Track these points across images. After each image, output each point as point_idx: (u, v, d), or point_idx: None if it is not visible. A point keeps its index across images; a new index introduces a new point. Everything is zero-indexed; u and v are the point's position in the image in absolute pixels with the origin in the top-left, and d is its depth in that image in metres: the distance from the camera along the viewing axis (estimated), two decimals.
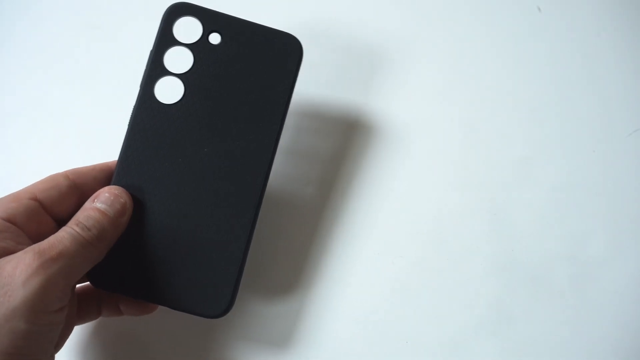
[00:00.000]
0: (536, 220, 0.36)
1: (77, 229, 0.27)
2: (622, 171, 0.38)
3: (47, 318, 0.25)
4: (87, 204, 0.28)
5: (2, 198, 0.28)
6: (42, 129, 0.39)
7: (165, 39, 0.31)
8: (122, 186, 0.30)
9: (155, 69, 0.31)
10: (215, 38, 0.31)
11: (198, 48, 0.31)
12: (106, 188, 0.29)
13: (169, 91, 0.31)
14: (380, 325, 0.34)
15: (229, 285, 0.30)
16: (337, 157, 0.37)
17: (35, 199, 0.28)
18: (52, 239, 0.26)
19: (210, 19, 0.31)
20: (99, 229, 0.27)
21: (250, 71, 0.31)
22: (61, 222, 0.28)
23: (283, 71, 0.32)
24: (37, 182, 0.29)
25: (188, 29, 0.31)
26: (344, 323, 0.34)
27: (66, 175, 0.29)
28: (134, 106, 0.31)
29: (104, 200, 0.28)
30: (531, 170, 0.37)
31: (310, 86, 0.37)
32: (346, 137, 0.37)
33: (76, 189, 0.29)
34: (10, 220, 0.27)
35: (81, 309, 0.30)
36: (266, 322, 0.34)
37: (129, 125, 0.31)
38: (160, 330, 0.34)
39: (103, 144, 0.39)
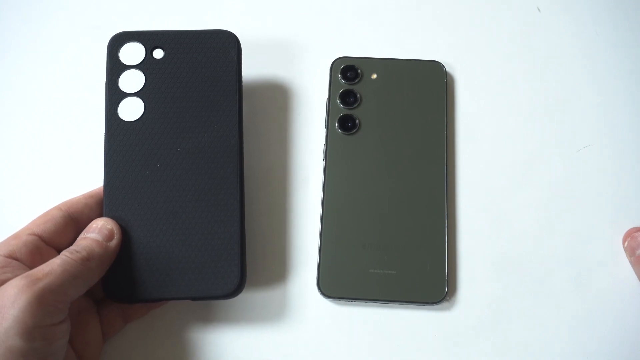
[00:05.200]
0: (536, 221, 0.36)
1: (67, 253, 0.29)
2: (625, 170, 0.38)
3: (42, 333, 0.26)
4: (79, 237, 0.31)
5: (5, 239, 0.30)
6: (43, 129, 0.40)
7: (114, 67, 0.35)
8: (114, 206, 0.33)
9: (113, 95, 0.34)
10: (158, 53, 0.35)
11: (146, 66, 0.35)
12: (94, 221, 0.32)
13: (133, 110, 0.34)
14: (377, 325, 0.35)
15: (234, 264, 0.32)
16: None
17: (34, 234, 0.30)
18: (42, 265, 0.28)
19: (149, 38, 0.35)
20: (88, 250, 0.30)
21: (198, 72, 0.35)
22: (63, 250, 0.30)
23: (227, 63, 0.35)
24: (34, 219, 0.31)
25: (134, 52, 0.35)
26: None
27: (59, 207, 0.32)
28: (104, 132, 0.34)
29: (91, 231, 0.31)
30: (531, 170, 0.38)
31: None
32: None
33: (70, 218, 0.32)
34: (11, 256, 0.29)
35: (105, 324, 0.32)
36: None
37: (104, 150, 0.33)
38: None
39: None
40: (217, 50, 0.35)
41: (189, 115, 0.34)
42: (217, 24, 0.41)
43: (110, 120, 0.34)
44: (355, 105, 0.38)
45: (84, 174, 0.38)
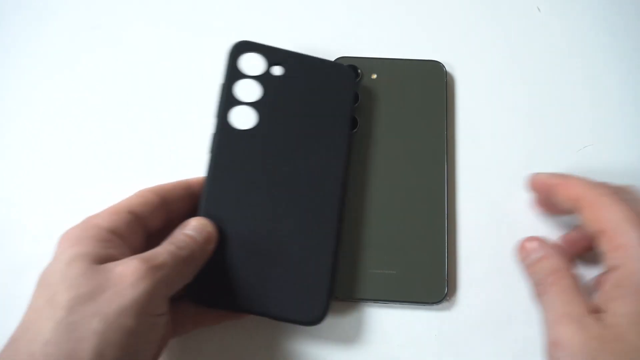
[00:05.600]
0: (536, 221, 0.36)
1: (173, 247, 0.29)
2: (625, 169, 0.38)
3: (150, 320, 0.27)
4: (177, 231, 0.31)
5: (102, 211, 0.30)
6: (43, 129, 0.40)
7: (233, 73, 0.35)
8: (212, 208, 0.33)
9: (228, 100, 0.34)
10: (277, 70, 0.35)
11: (264, 79, 0.35)
12: (193, 218, 0.32)
13: (244, 119, 0.34)
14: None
15: (322, 292, 0.32)
16: None
17: (133, 213, 0.30)
18: (152, 251, 0.28)
19: (271, 54, 0.35)
20: (189, 251, 0.30)
21: (312, 96, 0.35)
22: (150, 235, 0.31)
23: (343, 96, 0.35)
24: (131, 197, 0.31)
25: (253, 63, 0.35)
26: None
27: (154, 191, 0.31)
28: (213, 134, 0.34)
29: (192, 228, 0.31)
30: (531, 170, 0.37)
31: None
32: None
33: (165, 205, 0.31)
34: (114, 232, 0.29)
35: (175, 323, 0.32)
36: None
37: (210, 152, 0.33)
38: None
39: (105, 142, 0.39)
40: (335, 81, 0.36)
41: (299, 137, 0.34)
42: (215, 26, 0.42)
43: (221, 124, 0.34)
44: (355, 105, 0.38)
45: (84, 174, 0.38)
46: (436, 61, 0.39)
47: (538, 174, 0.33)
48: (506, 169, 0.38)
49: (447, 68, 0.39)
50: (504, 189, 0.37)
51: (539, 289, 0.29)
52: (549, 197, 0.32)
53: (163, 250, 0.29)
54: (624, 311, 0.25)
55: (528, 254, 0.31)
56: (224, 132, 0.34)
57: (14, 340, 0.25)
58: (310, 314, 0.32)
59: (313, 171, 0.34)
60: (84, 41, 0.42)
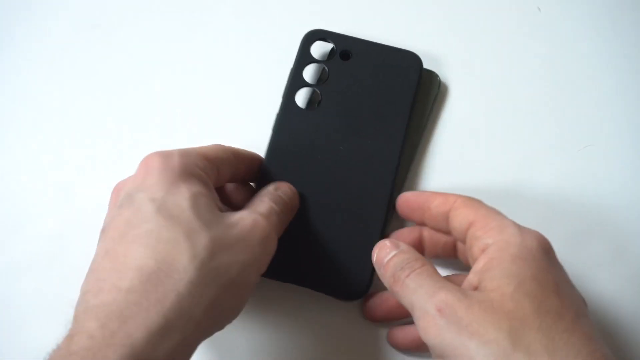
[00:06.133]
0: (536, 222, 0.36)
1: (278, 209, 0.29)
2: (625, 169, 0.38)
3: (258, 279, 0.28)
4: (272, 190, 0.31)
5: (190, 149, 0.28)
6: (42, 129, 0.40)
7: (304, 58, 0.37)
8: (269, 179, 0.33)
9: (296, 82, 0.36)
10: (346, 56, 0.37)
11: (332, 64, 0.37)
12: (286, 184, 0.32)
13: (307, 99, 0.37)
14: None
15: (366, 269, 0.33)
16: None
17: (214, 163, 0.29)
18: (267, 210, 0.28)
19: (341, 41, 0.37)
20: (285, 214, 0.30)
21: (377, 82, 0.36)
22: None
23: (406, 83, 0.36)
24: (211, 146, 0.30)
25: (324, 50, 0.38)
26: None
27: (229, 150, 0.31)
28: (278, 112, 0.36)
29: (287, 193, 0.31)
30: (531, 170, 0.38)
31: None
32: None
33: (233, 164, 0.31)
34: (206, 174, 0.28)
35: None
36: None
37: (273, 127, 0.35)
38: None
39: (106, 141, 0.39)
40: (400, 68, 0.37)
41: (359, 119, 0.36)
42: (214, 26, 0.41)
43: (287, 103, 0.36)
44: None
45: (84, 173, 0.38)
46: (431, 71, 0.39)
47: (406, 193, 0.34)
48: (506, 169, 0.38)
49: (445, 67, 0.39)
50: (504, 190, 0.37)
51: (402, 273, 0.27)
52: (423, 209, 0.32)
53: (271, 211, 0.29)
54: (502, 275, 0.25)
55: (386, 254, 0.29)
56: (287, 110, 0.36)
57: (152, 272, 0.23)
58: (354, 289, 0.33)
59: (370, 153, 0.35)
60: (83, 41, 0.42)
